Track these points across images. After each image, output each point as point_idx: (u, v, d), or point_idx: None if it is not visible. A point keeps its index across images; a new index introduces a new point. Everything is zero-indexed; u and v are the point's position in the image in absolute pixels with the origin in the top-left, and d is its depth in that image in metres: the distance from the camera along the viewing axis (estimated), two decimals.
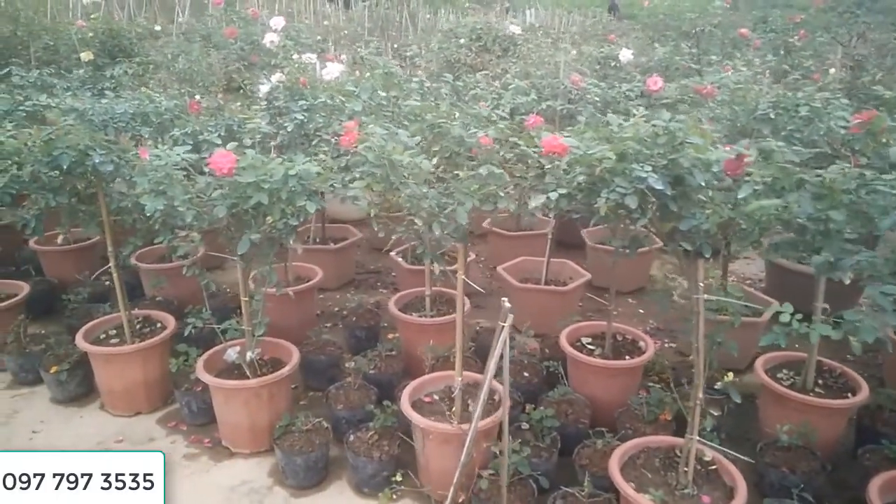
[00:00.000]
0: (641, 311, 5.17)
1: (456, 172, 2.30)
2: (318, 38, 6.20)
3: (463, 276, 2.85)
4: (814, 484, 2.91)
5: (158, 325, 3.94)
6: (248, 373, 3.37)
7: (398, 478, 3.08)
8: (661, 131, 2.16)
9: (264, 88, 4.46)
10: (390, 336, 3.92)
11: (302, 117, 3.75)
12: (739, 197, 2.03)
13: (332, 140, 3.25)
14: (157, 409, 3.77)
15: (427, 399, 3.23)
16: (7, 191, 3.04)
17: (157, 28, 9.12)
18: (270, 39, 5.16)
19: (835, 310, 2.71)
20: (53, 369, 3.70)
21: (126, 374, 3.62)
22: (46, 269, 5.20)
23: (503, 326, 2.09)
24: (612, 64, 4.95)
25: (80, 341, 3.62)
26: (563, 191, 2.22)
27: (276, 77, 4.73)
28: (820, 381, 3.39)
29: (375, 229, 2.73)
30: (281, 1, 13.46)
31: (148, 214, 2.86)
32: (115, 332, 3.84)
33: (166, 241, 3.46)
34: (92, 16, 6.97)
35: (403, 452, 3.16)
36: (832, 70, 4.44)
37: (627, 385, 3.62)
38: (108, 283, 5.02)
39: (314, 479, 3.15)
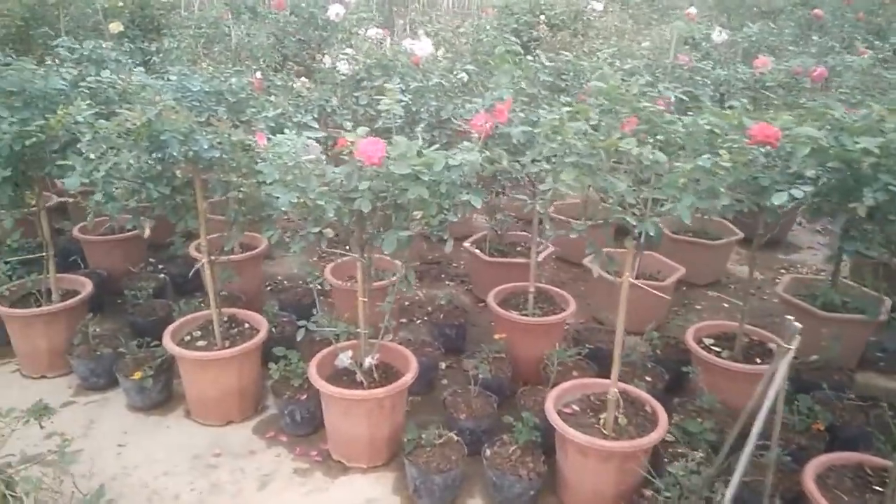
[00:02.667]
0: (726, 304, 4.96)
1: (677, 164, 2.01)
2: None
3: (630, 279, 2.57)
4: None
5: (246, 325, 3.60)
6: (362, 380, 3.08)
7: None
8: None
9: (346, 66, 4.10)
10: (496, 336, 3.63)
11: (407, 99, 3.41)
12: None
13: (463, 125, 2.93)
14: (248, 418, 3.46)
15: (567, 410, 2.96)
16: (109, 179, 2.67)
17: None
18: (336, 12, 4.77)
19: None
20: (137, 375, 3.35)
21: (221, 380, 3.29)
22: (90, 261, 4.80)
23: (788, 350, 1.82)
24: (703, 44, 4.68)
25: (170, 345, 3.28)
26: (809, 188, 1.95)
27: (350, 53, 4.39)
28: None
29: (547, 227, 2.44)
30: None
31: (283, 209, 2.52)
32: (199, 333, 3.51)
33: (271, 237, 3.13)
34: None
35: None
36: None
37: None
38: (164, 276, 4.67)
39: (449, 499, 2.88)
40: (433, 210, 2.46)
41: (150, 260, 5.09)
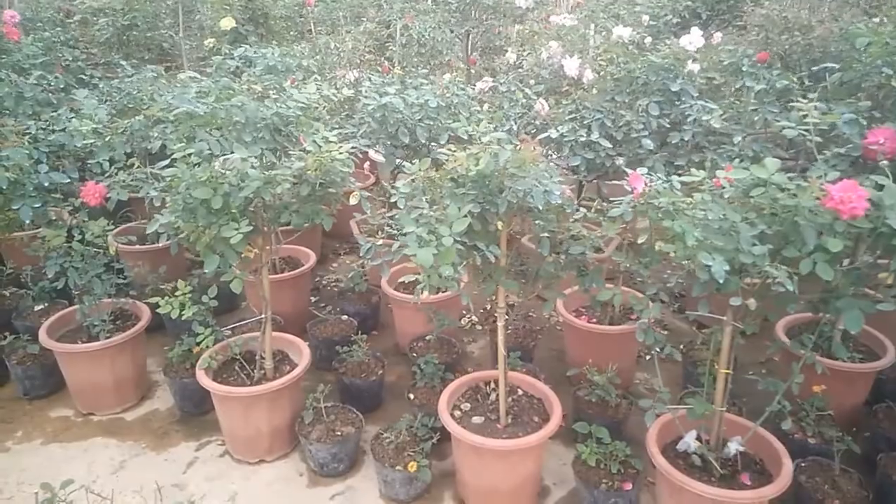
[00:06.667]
0: None
1: None
2: None
3: None
4: None
5: (520, 391, 2.97)
6: (716, 469, 2.47)
7: None
8: None
9: (575, 64, 3.42)
10: (816, 389, 3.00)
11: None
12: None
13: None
14: None
15: None
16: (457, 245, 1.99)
17: None
18: None
19: None
20: (413, 466, 2.72)
21: (519, 469, 2.67)
22: (251, 303, 4.15)
23: None
24: None
25: (457, 429, 2.63)
26: None
27: (555, 46, 3.72)
28: None
29: None
30: None
31: (717, 280, 1.86)
32: (468, 405, 2.88)
33: (609, 298, 2.47)
34: None
35: None
36: None
37: None
38: (346, 317, 4.01)
39: None
40: None
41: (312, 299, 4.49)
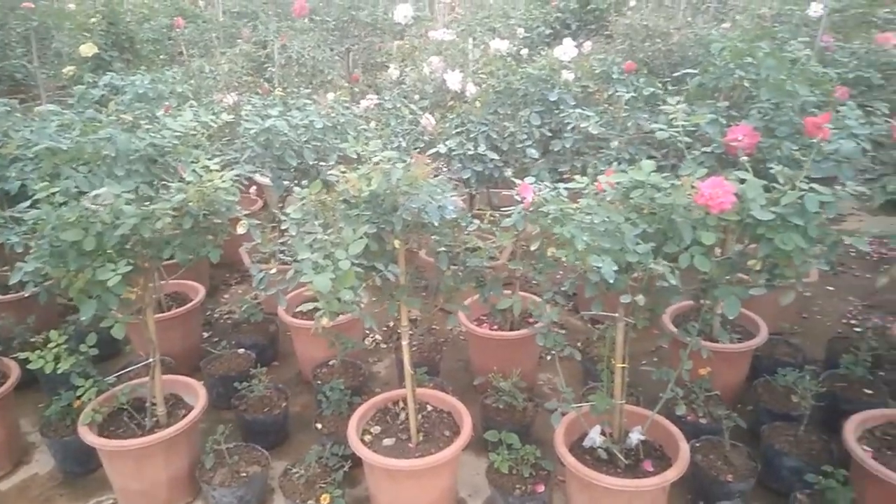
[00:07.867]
0: (830, 288, 4.82)
1: None
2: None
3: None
4: None
5: (429, 407, 2.94)
6: (621, 460, 2.57)
7: None
8: None
9: (453, 78, 3.49)
10: (702, 372, 3.19)
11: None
12: None
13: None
14: None
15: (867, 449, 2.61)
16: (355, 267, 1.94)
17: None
18: (404, 14, 4.04)
19: None
20: (326, 499, 2.63)
21: (434, 487, 2.65)
22: (136, 344, 3.87)
23: None
24: (794, 22, 4.42)
25: (366, 453, 2.57)
26: None
27: (437, 61, 3.79)
28: None
29: None
30: None
31: (608, 281, 1.94)
32: (378, 427, 2.82)
33: (507, 307, 2.51)
34: None
35: None
36: None
37: None
38: (243, 350, 3.83)
39: None
40: (799, 259, 1.99)
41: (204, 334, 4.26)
